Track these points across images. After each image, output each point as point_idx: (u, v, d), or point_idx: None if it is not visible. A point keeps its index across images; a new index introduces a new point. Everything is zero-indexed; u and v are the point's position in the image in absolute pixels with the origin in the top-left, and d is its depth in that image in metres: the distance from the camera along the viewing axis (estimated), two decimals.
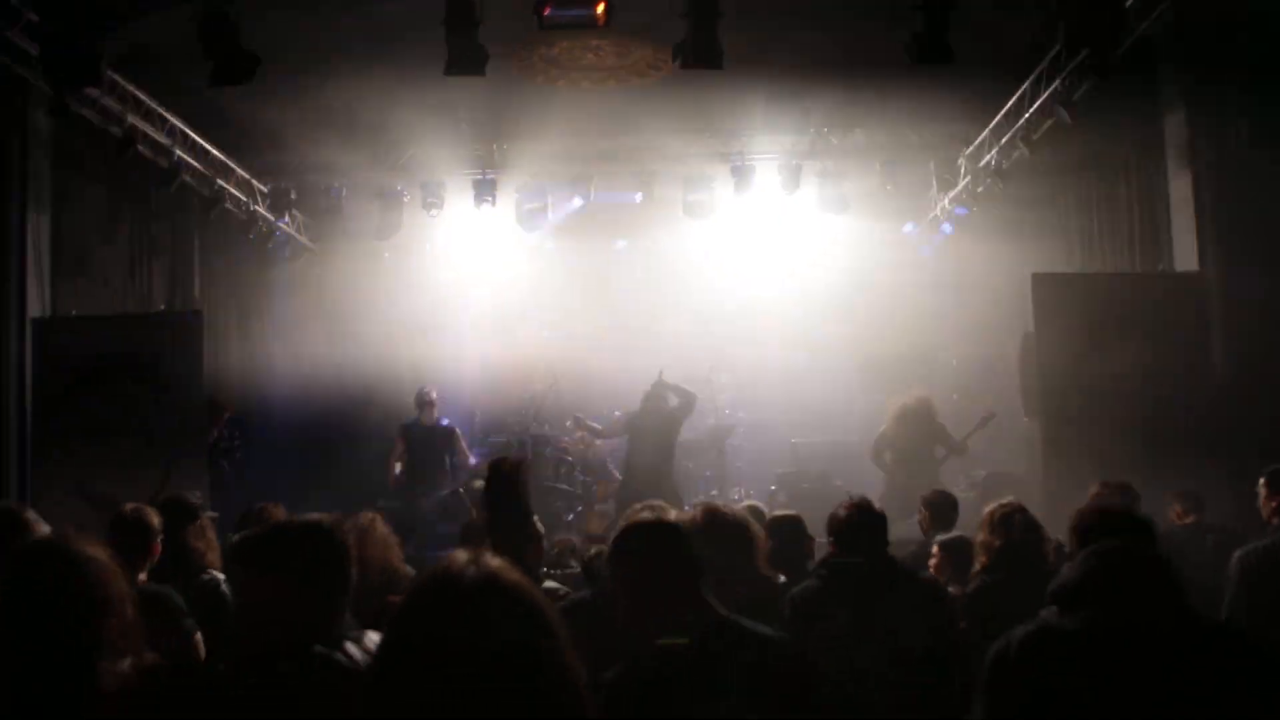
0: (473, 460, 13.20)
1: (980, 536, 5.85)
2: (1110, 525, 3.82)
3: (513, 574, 1.89)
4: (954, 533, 6.92)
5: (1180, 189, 10.84)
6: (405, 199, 15.20)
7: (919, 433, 12.31)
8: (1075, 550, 3.82)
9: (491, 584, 1.85)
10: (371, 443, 14.03)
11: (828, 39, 11.24)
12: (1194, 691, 3.10)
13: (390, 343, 15.40)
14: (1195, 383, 10.40)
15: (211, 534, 6.44)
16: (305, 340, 15.43)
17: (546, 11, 9.30)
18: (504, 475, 5.46)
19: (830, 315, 15.47)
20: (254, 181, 14.44)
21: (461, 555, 1.91)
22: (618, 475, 13.53)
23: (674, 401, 12.48)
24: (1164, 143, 11.09)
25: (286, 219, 15.12)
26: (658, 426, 12.36)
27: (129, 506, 5.74)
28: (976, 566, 5.82)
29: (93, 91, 10.51)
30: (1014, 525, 5.74)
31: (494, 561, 1.88)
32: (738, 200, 14.93)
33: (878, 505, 5.38)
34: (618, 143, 14.65)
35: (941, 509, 7.50)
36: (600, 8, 9.28)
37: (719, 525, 5.08)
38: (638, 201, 15.45)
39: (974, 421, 12.46)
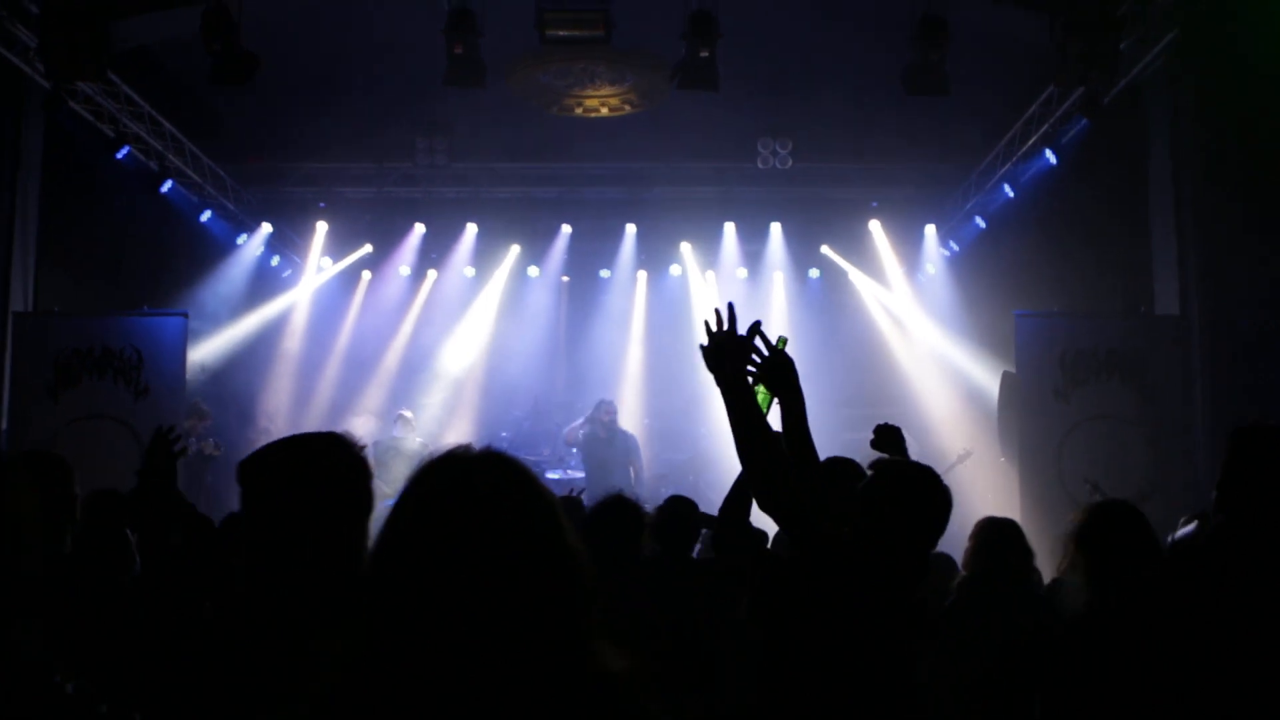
0: None
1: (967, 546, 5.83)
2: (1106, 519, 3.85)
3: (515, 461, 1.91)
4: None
5: (1162, 232, 10.93)
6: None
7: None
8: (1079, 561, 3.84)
9: (493, 454, 1.86)
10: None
11: (819, 70, 11.37)
12: None
13: (359, 370, 15.39)
14: (1177, 425, 10.46)
15: None
16: (293, 356, 15.37)
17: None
18: None
19: (812, 354, 15.47)
20: (243, 191, 14.43)
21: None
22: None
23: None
24: (1148, 187, 11.19)
25: (274, 231, 15.06)
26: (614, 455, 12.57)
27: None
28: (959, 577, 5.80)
29: (88, 88, 10.53)
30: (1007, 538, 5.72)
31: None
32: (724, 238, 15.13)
33: None
34: (605, 167, 14.74)
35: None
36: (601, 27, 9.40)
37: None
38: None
39: (952, 458, 12.46)
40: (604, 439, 12.78)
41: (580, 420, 13.21)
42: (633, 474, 12.69)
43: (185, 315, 11.40)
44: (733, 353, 3.53)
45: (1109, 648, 3.45)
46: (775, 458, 3.42)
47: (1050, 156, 11.39)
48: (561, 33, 9.70)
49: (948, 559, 6.49)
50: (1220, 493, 3.59)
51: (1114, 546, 3.73)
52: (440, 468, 1.86)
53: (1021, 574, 5.75)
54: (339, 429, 9.94)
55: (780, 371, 3.69)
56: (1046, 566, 7.09)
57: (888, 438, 5.57)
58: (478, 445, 1.87)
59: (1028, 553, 5.87)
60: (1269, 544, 3.42)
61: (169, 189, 12.53)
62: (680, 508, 5.76)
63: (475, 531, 1.75)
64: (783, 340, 3.81)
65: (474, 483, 1.81)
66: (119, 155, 11.32)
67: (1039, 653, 3.71)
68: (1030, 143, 11.79)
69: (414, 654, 1.73)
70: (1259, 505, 3.46)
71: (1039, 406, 10.77)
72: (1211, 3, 9.54)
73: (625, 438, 12.93)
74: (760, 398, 3.71)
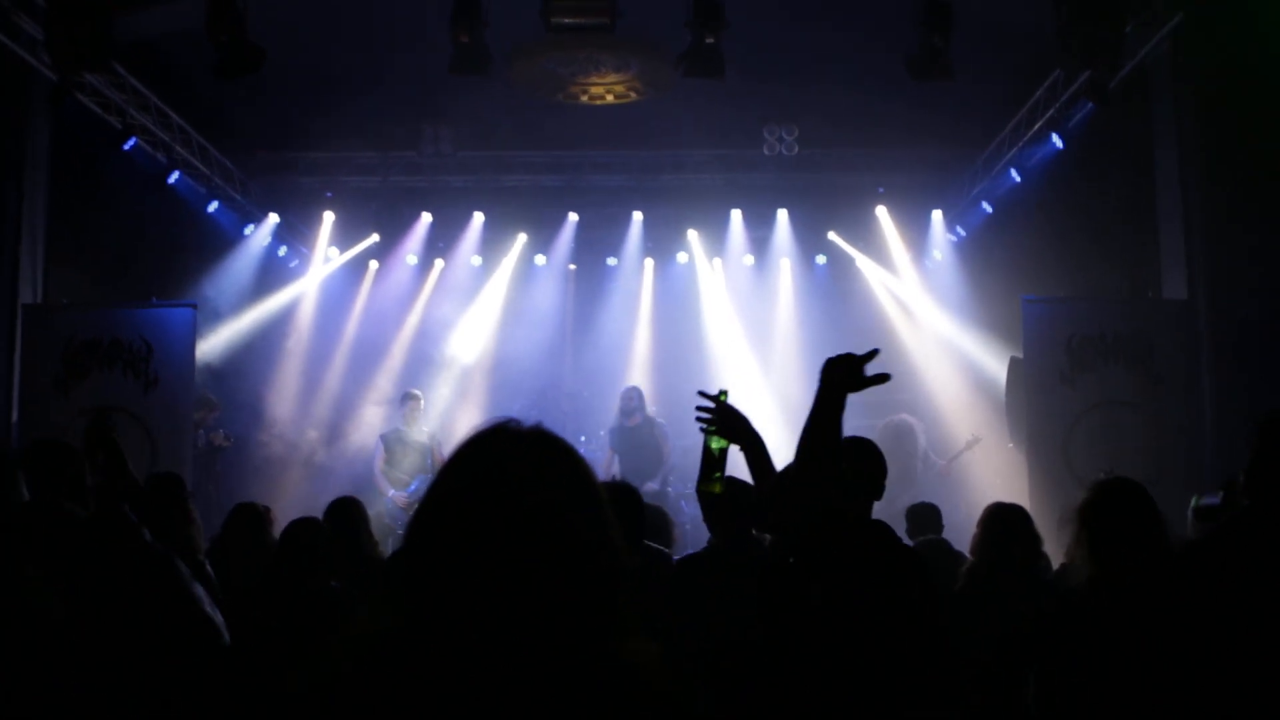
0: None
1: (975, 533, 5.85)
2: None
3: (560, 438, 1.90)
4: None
5: (1169, 217, 10.93)
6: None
7: (902, 452, 12.33)
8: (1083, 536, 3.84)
9: (541, 434, 1.86)
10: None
11: (824, 57, 11.37)
12: None
13: (367, 361, 15.43)
14: (1184, 410, 10.47)
15: (197, 515, 6.45)
16: (301, 346, 15.39)
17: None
18: None
19: (821, 341, 15.46)
20: (250, 182, 14.46)
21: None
22: None
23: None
24: (1155, 171, 11.19)
25: (281, 221, 15.08)
26: (639, 436, 12.50)
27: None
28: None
29: (95, 80, 10.55)
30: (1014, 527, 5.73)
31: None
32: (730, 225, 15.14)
33: None
34: (611, 155, 14.74)
35: (924, 519, 7.56)
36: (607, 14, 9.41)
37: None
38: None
39: (960, 444, 12.49)
40: (630, 427, 12.77)
41: (607, 456, 13.07)
42: (666, 460, 12.69)
43: (194, 306, 11.44)
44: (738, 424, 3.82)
45: (1105, 626, 3.47)
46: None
47: (1057, 141, 11.39)
48: (567, 20, 9.70)
49: (948, 546, 6.54)
50: (1249, 479, 3.67)
51: (1118, 523, 3.73)
52: (482, 447, 1.85)
53: (1029, 560, 5.78)
54: (349, 419, 9.98)
55: (731, 422, 3.85)
56: (1055, 552, 7.13)
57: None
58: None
59: (1035, 538, 5.90)
60: None
61: (176, 180, 12.57)
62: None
63: (510, 521, 1.74)
64: (724, 393, 3.98)
65: (513, 470, 1.80)
66: (126, 147, 11.35)
67: (1035, 630, 3.73)
68: (1036, 127, 11.78)
69: (441, 638, 1.74)
70: None
71: (1046, 392, 10.80)
72: None
73: (653, 425, 12.88)
74: (714, 444, 3.91)
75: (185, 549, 6.05)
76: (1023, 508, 5.90)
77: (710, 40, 9.41)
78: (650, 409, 13.06)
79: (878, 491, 4.12)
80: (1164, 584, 3.46)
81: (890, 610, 3.28)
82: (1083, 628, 3.52)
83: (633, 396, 12.87)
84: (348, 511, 7.09)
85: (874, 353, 3.43)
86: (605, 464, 13.08)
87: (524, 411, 15.21)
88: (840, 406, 3.43)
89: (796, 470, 3.50)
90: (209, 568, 5.93)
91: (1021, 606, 5.12)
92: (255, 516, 7.01)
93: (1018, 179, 12.36)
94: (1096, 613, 3.54)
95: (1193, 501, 7.01)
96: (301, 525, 5.87)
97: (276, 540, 6.28)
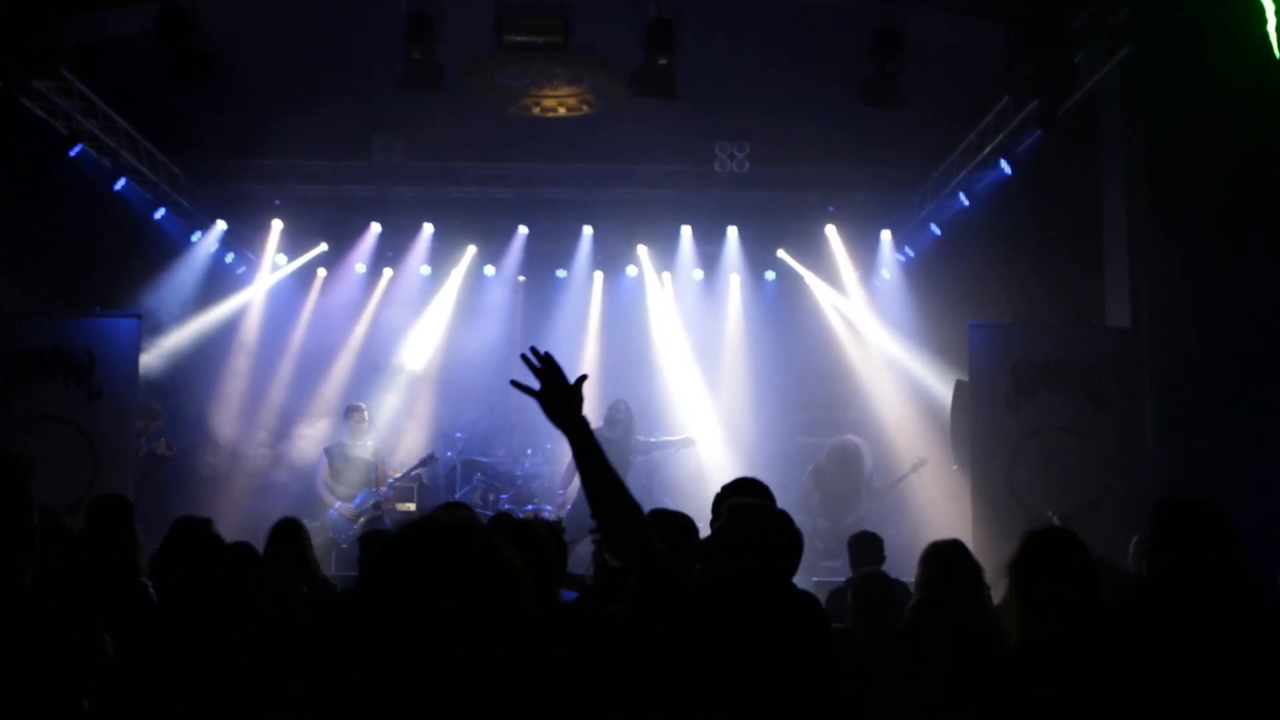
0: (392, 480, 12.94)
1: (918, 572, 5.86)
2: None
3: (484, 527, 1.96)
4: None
5: (1115, 245, 11.04)
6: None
7: (848, 474, 12.42)
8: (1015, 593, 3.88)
9: (466, 526, 1.92)
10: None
11: (777, 76, 11.42)
12: None
13: (314, 369, 15.34)
14: (1127, 437, 10.58)
15: (141, 536, 6.41)
16: (248, 354, 15.27)
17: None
18: None
19: (768, 358, 15.52)
20: (198, 188, 14.32)
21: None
22: (546, 507, 13.44)
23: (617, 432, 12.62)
24: (1101, 200, 11.30)
25: (229, 228, 14.93)
26: (615, 451, 12.50)
27: None
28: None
29: (41, 86, 10.42)
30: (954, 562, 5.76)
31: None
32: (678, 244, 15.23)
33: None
34: (562, 169, 14.73)
35: (865, 549, 7.62)
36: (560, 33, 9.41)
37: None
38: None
39: (906, 465, 12.58)
40: (610, 439, 12.68)
41: (568, 463, 13.08)
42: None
43: (139, 317, 11.34)
44: (569, 399, 3.48)
45: (1041, 682, 3.51)
46: (629, 507, 3.44)
47: (1005, 167, 11.48)
48: (520, 38, 9.70)
49: (885, 580, 6.59)
50: (1150, 555, 4.30)
51: (1048, 585, 3.73)
52: (397, 554, 1.91)
53: (971, 594, 5.79)
54: (294, 430, 9.92)
55: (555, 393, 3.50)
56: (999, 577, 7.18)
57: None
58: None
59: (976, 571, 5.90)
60: (1190, 602, 3.89)
61: (123, 186, 12.43)
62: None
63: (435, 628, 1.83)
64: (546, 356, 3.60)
65: (431, 576, 1.87)
66: (72, 153, 11.21)
67: (975, 681, 3.75)
68: (985, 152, 11.87)
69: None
70: (1180, 569, 4.06)
71: (991, 417, 10.88)
72: (1166, 19, 9.62)
73: (632, 443, 12.91)
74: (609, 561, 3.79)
75: (129, 571, 6.01)
76: (959, 543, 5.88)
77: (663, 62, 9.42)
78: (597, 422, 13.09)
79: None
80: (1087, 649, 3.53)
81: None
82: (1012, 690, 3.55)
83: (620, 409, 12.87)
84: (290, 533, 7.03)
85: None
86: (565, 473, 13.09)
87: (472, 424, 15.18)
88: (581, 437, 3.41)
89: (594, 511, 3.48)
90: (150, 589, 5.90)
91: (968, 640, 5.18)
92: (195, 530, 6.92)
93: (966, 203, 12.46)
94: (1033, 672, 3.57)
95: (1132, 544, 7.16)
96: (238, 549, 5.81)
97: (216, 554, 6.27)
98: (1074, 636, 3.54)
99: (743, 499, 4.35)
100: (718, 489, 4.96)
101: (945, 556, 5.72)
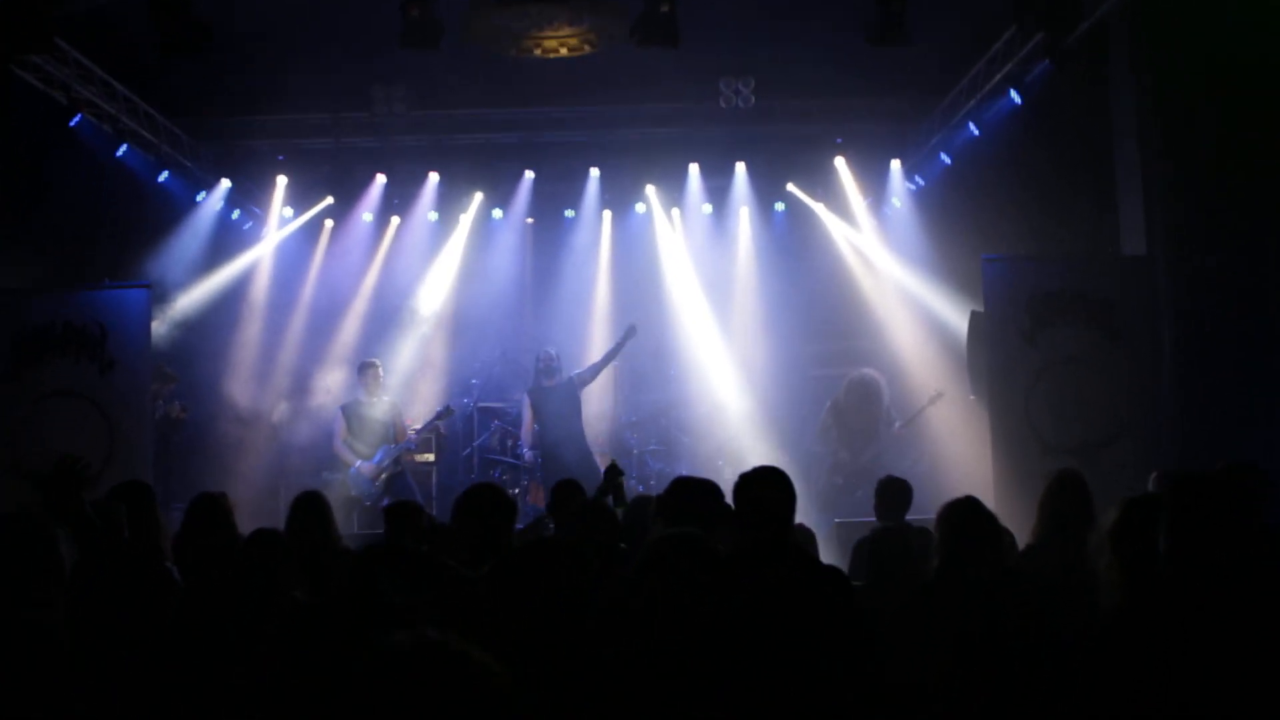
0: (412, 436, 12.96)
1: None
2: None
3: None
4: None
5: (1128, 173, 10.94)
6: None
7: (868, 409, 12.41)
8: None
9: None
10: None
11: (780, 8, 11.30)
12: None
13: (326, 322, 15.31)
14: (1143, 367, 10.55)
15: (164, 520, 6.44)
16: (259, 310, 15.23)
17: None
18: None
19: (780, 291, 15.45)
20: (200, 147, 14.23)
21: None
22: None
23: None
24: (1113, 128, 11.18)
25: (233, 186, 14.84)
26: (560, 396, 12.74)
27: None
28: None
29: (37, 57, 10.32)
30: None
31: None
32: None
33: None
34: (566, 111, 14.59)
35: (893, 498, 7.54)
36: None
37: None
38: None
39: (922, 399, 12.56)
40: (548, 388, 12.85)
41: (528, 416, 13.18)
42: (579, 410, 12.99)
43: (149, 286, 11.31)
44: None
45: (1150, 641, 3.53)
46: None
47: (1015, 96, 11.31)
48: None
49: (906, 534, 6.55)
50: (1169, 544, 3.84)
51: (1146, 539, 3.80)
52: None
53: (990, 551, 5.75)
54: (309, 388, 9.98)
55: None
56: (1016, 518, 7.15)
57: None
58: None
59: (993, 526, 5.85)
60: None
61: (124, 153, 12.32)
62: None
63: None
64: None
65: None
66: (72, 123, 11.11)
67: (1073, 650, 3.77)
68: (994, 81, 11.70)
69: None
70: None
71: (1007, 350, 10.85)
72: None
73: (571, 383, 13.01)
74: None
75: (153, 556, 6.03)
76: (974, 500, 5.80)
77: (665, 9, 9.30)
78: (612, 364, 13.19)
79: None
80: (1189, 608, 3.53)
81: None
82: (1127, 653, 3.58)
83: (551, 358, 13.00)
84: (312, 505, 7.07)
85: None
86: (527, 426, 13.12)
87: (486, 368, 15.19)
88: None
89: None
90: (175, 572, 5.92)
91: (989, 599, 5.17)
92: (213, 506, 6.95)
93: (976, 132, 12.29)
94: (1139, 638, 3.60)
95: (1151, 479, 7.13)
96: (260, 538, 5.82)
97: (235, 529, 6.38)
98: (1176, 597, 3.57)
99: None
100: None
101: (959, 518, 5.66)
